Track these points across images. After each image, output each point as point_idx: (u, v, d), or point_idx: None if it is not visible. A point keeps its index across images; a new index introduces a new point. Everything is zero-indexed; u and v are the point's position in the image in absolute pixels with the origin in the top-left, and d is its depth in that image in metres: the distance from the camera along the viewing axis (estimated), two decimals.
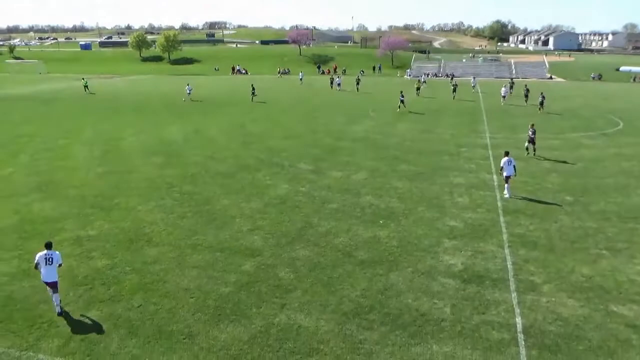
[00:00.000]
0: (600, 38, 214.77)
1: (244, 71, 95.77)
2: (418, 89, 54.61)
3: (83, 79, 62.38)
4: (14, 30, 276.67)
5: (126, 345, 9.93)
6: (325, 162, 24.47)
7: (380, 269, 13.27)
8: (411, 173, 22.45)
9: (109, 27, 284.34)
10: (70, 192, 19.83)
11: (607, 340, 10.16)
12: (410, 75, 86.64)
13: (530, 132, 25.35)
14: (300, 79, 72.50)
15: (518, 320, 10.87)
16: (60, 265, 10.97)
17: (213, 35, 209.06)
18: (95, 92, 58.40)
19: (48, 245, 10.94)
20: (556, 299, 11.76)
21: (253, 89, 49.40)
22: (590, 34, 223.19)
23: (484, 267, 13.35)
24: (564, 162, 24.68)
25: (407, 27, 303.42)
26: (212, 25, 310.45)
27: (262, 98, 50.89)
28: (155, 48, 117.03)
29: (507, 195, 19.02)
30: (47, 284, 10.74)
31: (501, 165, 19.05)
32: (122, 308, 11.25)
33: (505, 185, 19.20)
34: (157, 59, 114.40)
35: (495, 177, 21.71)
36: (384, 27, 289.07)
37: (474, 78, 65.01)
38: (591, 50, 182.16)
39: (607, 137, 31.43)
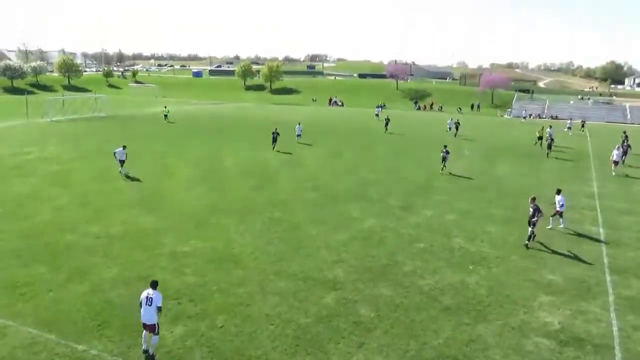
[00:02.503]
0: None
1: (340, 103, 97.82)
2: (540, 138, 43.45)
3: (165, 107, 58.62)
4: (137, 57, 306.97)
5: None
6: (416, 199, 23.97)
7: (466, 317, 12.56)
8: (507, 217, 21.26)
9: (219, 56, 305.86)
10: (172, 207, 21.21)
11: None
12: (521, 116, 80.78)
13: (531, 208, 17.91)
14: (377, 115, 66.30)
15: None
16: (159, 308, 10.25)
17: (313, 67, 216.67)
18: (176, 120, 58.01)
19: (153, 285, 10.44)
20: None
21: (276, 134, 37.24)
22: None
23: (585, 330, 12.13)
24: None
25: (510, 65, 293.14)
26: (313, 58, 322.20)
27: (357, 130, 51.61)
28: (258, 77, 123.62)
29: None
30: (144, 325, 10.32)
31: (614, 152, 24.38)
32: (206, 326, 11.64)
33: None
34: (259, 87, 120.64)
35: (601, 230, 19.90)
36: (485, 65, 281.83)
37: (571, 120, 60.25)
38: None
39: None
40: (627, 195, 26.27)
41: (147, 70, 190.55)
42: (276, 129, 37.60)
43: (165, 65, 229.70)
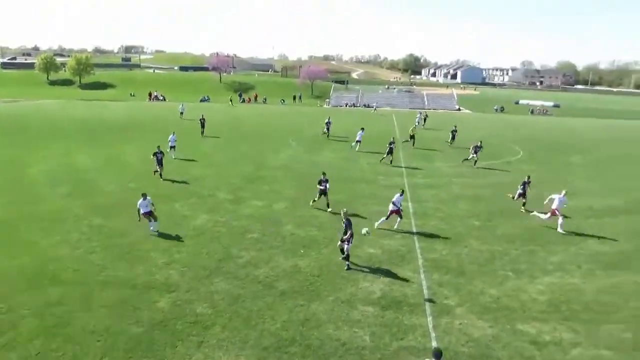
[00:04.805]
0: (501, 73, 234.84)
1: (161, 97, 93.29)
2: (412, 137, 40.52)
3: None
4: None
5: None
6: (246, 191, 24.20)
7: (301, 299, 13.20)
8: (331, 202, 22.73)
9: (12, 47, 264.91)
10: None
11: (513, 358, 10.77)
12: (371, 106, 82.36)
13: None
14: (181, 113, 56.55)
15: (434, 343, 11.22)
16: None
17: (129, 60, 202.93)
18: None
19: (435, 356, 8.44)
20: (468, 320, 12.33)
21: (160, 155, 26.17)
22: (493, 69, 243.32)
23: (402, 293, 13.72)
24: (473, 188, 26.32)
25: (326, 58, 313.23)
26: (127, 49, 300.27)
27: (182, 125, 49.78)
28: (65, 71, 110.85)
29: (560, 230, 19.30)
30: None
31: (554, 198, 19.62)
32: (18, 357, 10.20)
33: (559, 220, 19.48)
34: (66, 82, 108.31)
35: (410, 204, 22.57)
36: (304, 57, 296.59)
37: (420, 114, 58.33)
38: (494, 84, 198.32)
39: (510, 164, 34.00)
40: (431, 172, 30.26)
41: None
42: (159, 148, 26.57)
43: None
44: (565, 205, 19.62)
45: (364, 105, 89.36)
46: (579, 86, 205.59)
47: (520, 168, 32.61)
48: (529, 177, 22.83)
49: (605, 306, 13.37)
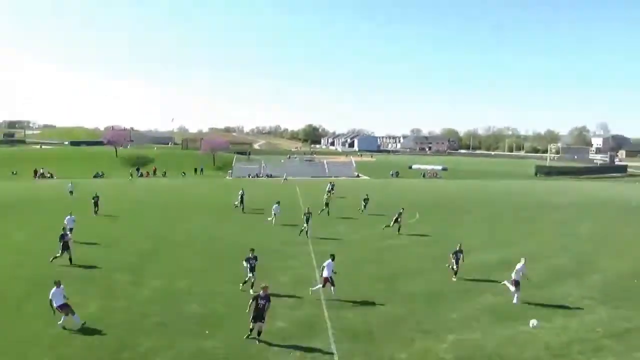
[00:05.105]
0: (394, 140, 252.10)
1: (49, 175, 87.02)
2: (327, 204, 41.65)
3: None
4: None
5: None
6: (145, 270, 22.73)
7: None
8: (236, 275, 22.01)
9: None
10: None
11: None
12: (282, 177, 78.98)
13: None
14: (71, 192, 51.57)
15: None
16: None
17: (12, 135, 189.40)
18: None
19: None
20: None
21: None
22: (387, 137, 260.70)
23: None
24: (377, 252, 27.09)
25: (227, 129, 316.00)
26: (11, 124, 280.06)
27: (74, 205, 46.41)
28: None
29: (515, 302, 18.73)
30: None
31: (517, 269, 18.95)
32: None
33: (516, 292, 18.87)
34: None
35: (317, 271, 22.60)
36: (205, 129, 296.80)
37: (330, 184, 56.34)
38: (388, 151, 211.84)
39: (408, 226, 35.67)
40: (334, 238, 30.72)
41: None
42: (64, 230, 25.40)
43: None
44: (522, 274, 19.05)
45: (267, 176, 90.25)
46: (462, 150, 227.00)
47: (418, 229, 34.40)
48: (460, 246, 22.15)
49: (504, 358, 14.04)
